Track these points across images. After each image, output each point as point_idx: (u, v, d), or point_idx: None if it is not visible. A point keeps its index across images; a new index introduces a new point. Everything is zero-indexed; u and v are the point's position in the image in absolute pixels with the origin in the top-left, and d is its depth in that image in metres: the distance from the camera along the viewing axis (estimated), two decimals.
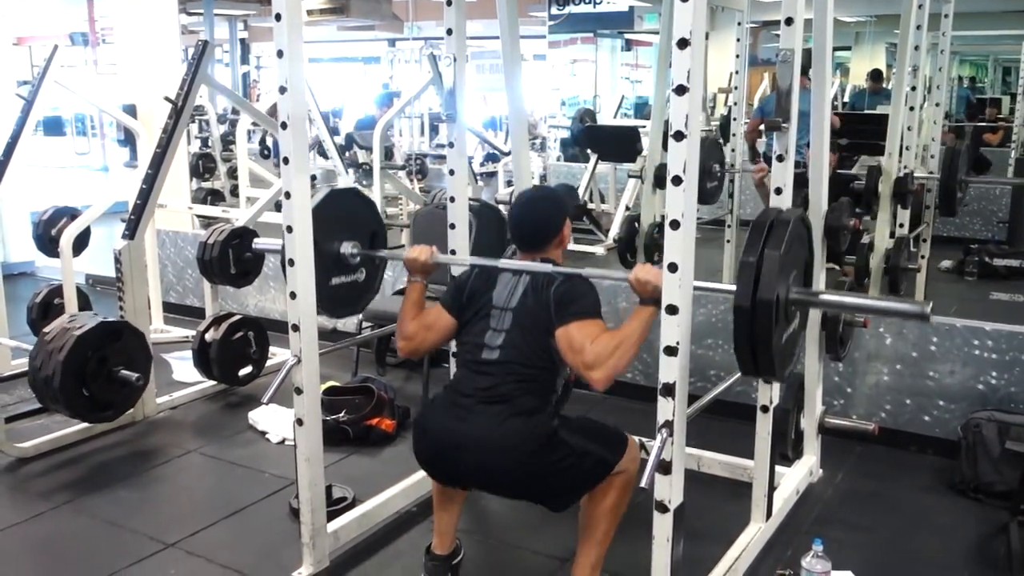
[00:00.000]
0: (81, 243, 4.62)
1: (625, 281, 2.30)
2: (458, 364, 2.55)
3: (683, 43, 1.89)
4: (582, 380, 2.33)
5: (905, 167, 4.52)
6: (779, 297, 2.15)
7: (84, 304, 4.60)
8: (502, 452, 2.33)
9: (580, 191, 7.72)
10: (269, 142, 9.69)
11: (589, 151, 7.97)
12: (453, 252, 3.17)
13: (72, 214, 4.80)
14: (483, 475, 2.42)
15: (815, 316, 3.13)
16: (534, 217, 2.56)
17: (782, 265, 2.15)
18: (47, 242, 4.88)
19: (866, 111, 8.48)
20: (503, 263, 2.54)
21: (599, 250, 6.95)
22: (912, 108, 4.53)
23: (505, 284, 2.49)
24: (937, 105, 5.26)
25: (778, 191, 2.73)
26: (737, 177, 5.73)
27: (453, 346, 2.70)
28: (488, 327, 2.45)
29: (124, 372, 3.47)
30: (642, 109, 10.76)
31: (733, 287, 2.16)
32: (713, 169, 4.97)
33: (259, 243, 3.19)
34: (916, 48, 4.30)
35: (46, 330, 3.44)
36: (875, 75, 8.79)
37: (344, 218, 2.81)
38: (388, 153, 9.28)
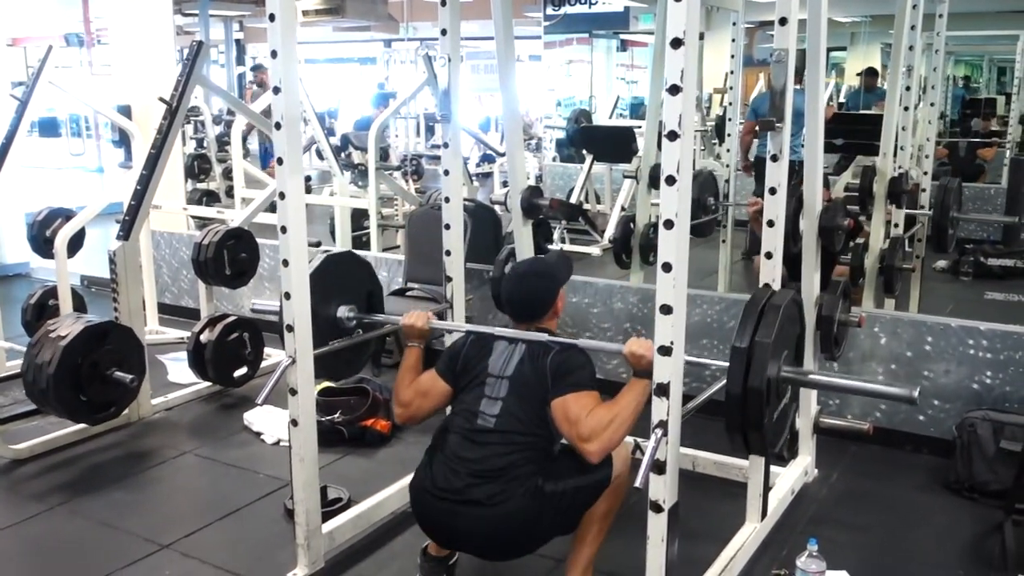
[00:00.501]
0: (76, 244, 4.61)
1: (619, 355, 2.34)
2: (452, 430, 2.51)
3: (676, 43, 1.89)
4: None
5: (900, 167, 4.53)
6: (770, 380, 2.21)
7: (79, 305, 4.58)
8: (500, 525, 2.36)
9: (576, 191, 7.73)
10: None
11: (585, 151, 7.98)
12: (448, 253, 3.17)
13: (67, 215, 4.79)
14: (481, 547, 2.47)
15: (810, 310, 3.14)
16: (527, 293, 2.59)
17: (773, 350, 2.20)
18: (42, 243, 4.87)
19: (861, 111, 8.48)
20: (499, 331, 2.54)
21: (595, 251, 6.95)
22: (907, 108, 4.53)
23: (501, 352, 2.51)
24: (932, 105, 5.27)
25: (772, 191, 2.73)
26: (732, 176, 5.73)
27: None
28: (483, 395, 2.46)
29: (118, 373, 3.46)
30: (638, 110, 10.76)
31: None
32: (708, 203, 5.00)
33: (257, 304, 3.26)
34: (911, 48, 4.30)
35: (39, 331, 3.43)
36: (870, 72, 8.80)
37: (340, 282, 2.86)
38: (384, 154, 9.28)
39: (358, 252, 3.08)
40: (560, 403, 2.34)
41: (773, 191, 2.74)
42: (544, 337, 2.47)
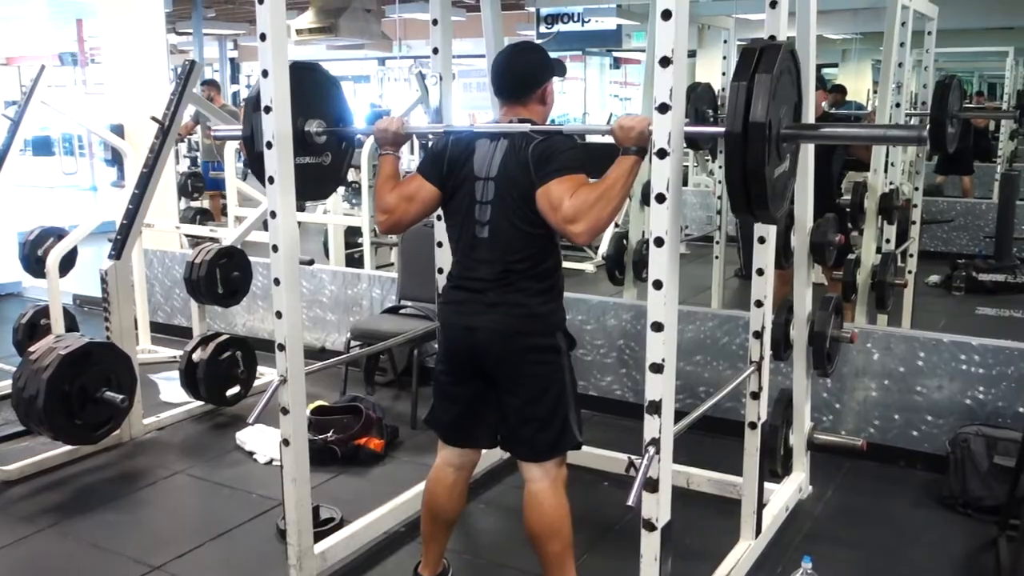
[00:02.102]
0: (68, 263, 4.60)
1: (608, 132, 2.20)
2: (452, 243, 2.49)
3: (665, 61, 1.90)
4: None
5: (891, 183, 4.54)
6: (771, 126, 1.99)
7: (71, 325, 4.58)
8: (501, 327, 2.35)
9: None
10: None
11: None
12: (440, 271, 3.17)
13: (59, 234, 4.78)
14: (489, 347, 2.40)
15: (802, 327, 3.14)
16: (518, 64, 2.46)
17: (773, 91, 1.97)
18: (33, 263, 4.85)
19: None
20: (480, 127, 2.43)
21: (588, 267, 6.96)
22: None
23: (484, 151, 2.39)
24: (922, 121, 5.29)
25: None
26: (725, 193, 5.75)
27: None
28: (474, 200, 2.38)
29: (108, 393, 3.45)
30: None
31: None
32: (707, 114, 5.02)
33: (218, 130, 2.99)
34: (900, 65, 4.33)
35: (30, 350, 3.42)
36: (837, 88, 8.89)
37: (308, 96, 2.63)
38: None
39: (322, 66, 2.83)
40: (544, 191, 2.24)
41: None
42: (526, 127, 2.34)
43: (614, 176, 2.16)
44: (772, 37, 2.61)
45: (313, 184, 2.79)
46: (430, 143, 2.62)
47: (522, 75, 2.45)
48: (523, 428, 2.43)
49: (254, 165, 2.58)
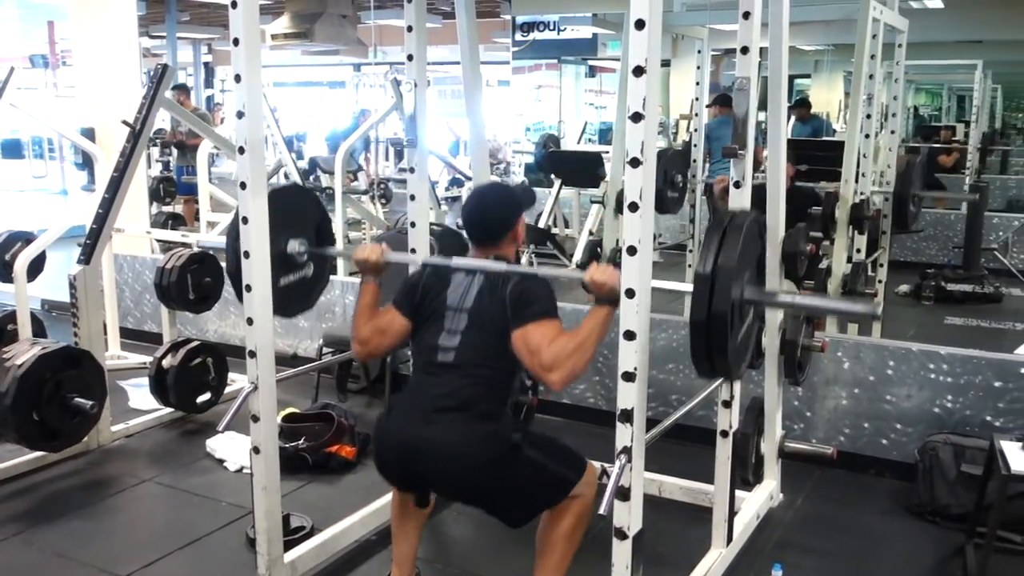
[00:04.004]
0: (36, 268, 4.54)
1: (580, 281, 2.28)
2: (414, 368, 2.52)
3: (638, 71, 1.91)
4: (543, 393, 2.31)
5: (862, 193, 4.59)
6: (734, 303, 2.16)
7: (39, 330, 4.51)
8: (460, 459, 2.31)
9: (544, 216, 7.75)
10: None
11: (553, 176, 8.01)
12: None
13: (27, 238, 4.72)
14: (440, 480, 2.40)
15: (773, 336, 3.16)
16: (487, 211, 2.54)
17: (736, 272, 2.14)
18: (1, 267, 4.79)
19: (818, 139, 8.62)
20: (456, 262, 2.50)
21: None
22: (868, 135, 4.61)
23: (459, 284, 2.46)
24: (893, 132, 5.36)
25: None
26: (699, 202, 5.78)
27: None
28: (442, 328, 2.43)
29: (78, 400, 3.40)
30: (606, 135, 10.85)
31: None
32: (676, 180, 5.03)
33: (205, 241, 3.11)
34: (871, 77, 4.38)
35: None
36: (801, 103, 8.97)
37: (288, 216, 2.70)
38: (355, 175, 9.27)
39: (305, 186, 2.94)
40: (521, 334, 2.30)
41: None
42: (502, 266, 2.41)
43: (588, 327, 2.26)
44: (744, 48, 2.63)
45: (301, 298, 2.90)
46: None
47: (493, 224, 2.52)
48: (517, 516, 2.45)
49: (236, 287, 2.62)
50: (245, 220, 2.48)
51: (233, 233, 2.56)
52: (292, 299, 2.82)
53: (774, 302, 2.77)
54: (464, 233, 2.63)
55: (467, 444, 2.31)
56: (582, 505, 2.43)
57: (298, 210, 2.81)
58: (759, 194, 2.91)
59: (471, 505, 2.52)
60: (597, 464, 2.60)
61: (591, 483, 2.47)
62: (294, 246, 2.72)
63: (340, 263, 6.05)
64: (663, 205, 4.90)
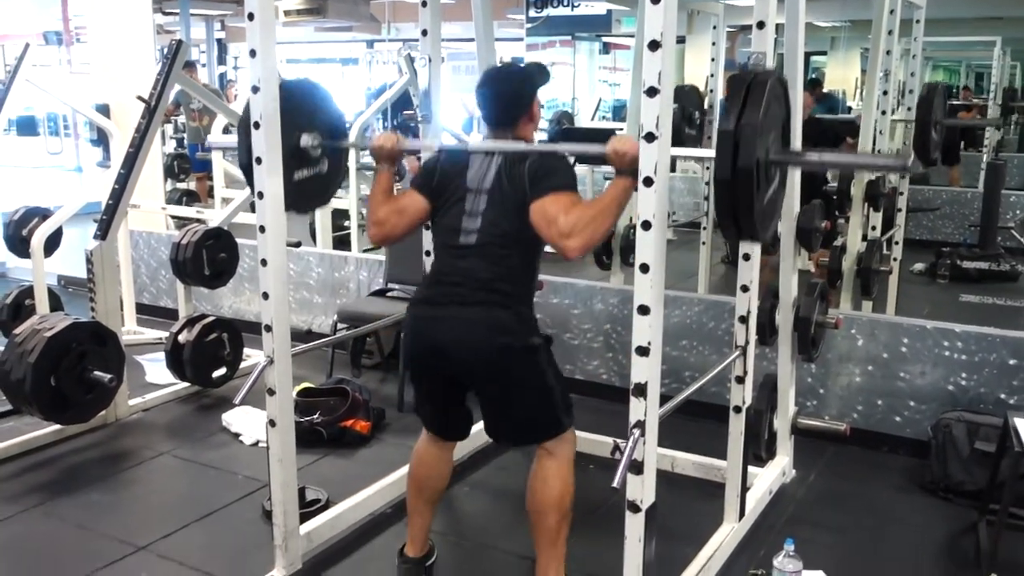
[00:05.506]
0: (53, 244, 4.58)
1: (602, 154, 2.25)
2: (435, 250, 2.54)
3: (654, 45, 1.90)
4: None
5: None
6: (759, 161, 2.07)
7: (56, 305, 4.56)
8: (480, 341, 2.35)
9: None
10: None
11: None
12: (428, 253, 3.17)
13: (43, 214, 4.75)
14: (462, 359, 2.40)
15: (787, 312, 3.16)
16: (502, 91, 2.50)
17: (760, 131, 2.05)
18: (18, 243, 4.82)
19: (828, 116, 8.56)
20: (473, 145, 2.48)
21: None
22: (884, 112, 4.57)
23: (478, 166, 2.44)
24: (909, 109, 5.31)
25: None
26: (712, 179, 5.75)
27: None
28: (463, 211, 2.42)
29: (96, 373, 3.44)
30: (620, 112, 10.81)
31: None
32: (693, 115, 4.99)
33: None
34: (888, 53, 4.34)
35: (16, 331, 3.40)
36: (813, 83, 8.90)
37: (301, 110, 2.66)
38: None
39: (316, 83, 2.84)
40: (539, 205, 2.29)
41: None
42: (520, 146, 2.40)
43: (610, 196, 2.24)
44: (760, 24, 2.61)
45: (314, 195, 2.85)
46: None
47: (508, 102, 2.50)
48: (506, 426, 2.49)
49: (250, 182, 2.59)
50: (261, 195, 2.49)
51: (244, 129, 2.53)
52: (308, 194, 2.77)
53: (801, 160, 2.68)
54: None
55: (488, 326, 2.35)
56: (565, 470, 2.46)
57: (310, 104, 2.74)
58: None
59: (485, 397, 2.49)
60: (609, 439, 2.61)
61: (572, 445, 2.50)
62: (307, 140, 2.66)
63: (354, 240, 6.09)
64: (681, 140, 4.82)
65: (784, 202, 3.07)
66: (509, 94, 2.50)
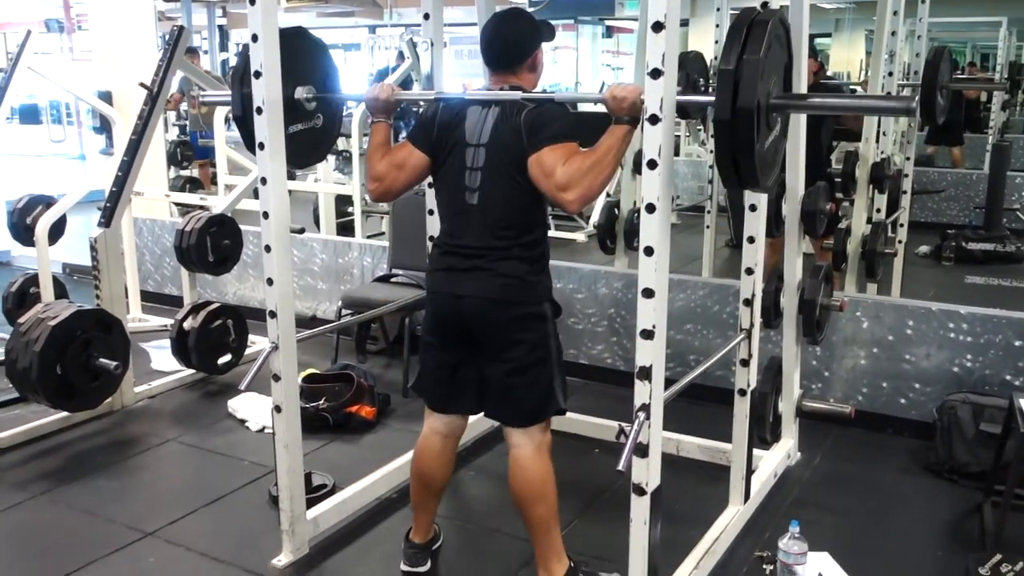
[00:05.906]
0: (57, 231, 4.58)
1: (601, 100, 2.22)
2: (439, 208, 2.50)
3: (658, 26, 1.89)
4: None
5: (882, 152, 4.55)
6: (759, 104, 2.03)
7: (60, 293, 4.56)
8: (493, 300, 2.35)
9: None
10: None
11: None
12: (431, 239, 3.16)
13: (47, 202, 4.75)
14: (477, 316, 2.39)
15: (792, 295, 3.16)
16: (507, 32, 2.44)
17: (761, 71, 2.00)
18: (22, 231, 4.83)
19: None
20: (470, 94, 2.43)
21: (580, 236, 6.96)
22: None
23: (475, 118, 2.37)
24: (914, 90, 5.29)
25: None
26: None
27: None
28: (465, 166, 2.37)
29: (102, 360, 3.45)
30: None
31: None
32: (698, 83, 4.97)
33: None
34: (893, 34, 4.32)
35: (22, 319, 3.41)
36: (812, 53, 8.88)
37: (294, 62, 2.59)
38: None
39: (310, 33, 2.80)
40: (536, 158, 2.24)
41: None
42: (516, 94, 2.33)
43: (607, 144, 2.18)
44: (764, 4, 2.59)
45: (309, 149, 2.79)
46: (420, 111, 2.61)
47: (511, 44, 2.43)
48: (507, 394, 2.45)
49: (244, 134, 2.57)
50: (264, 181, 2.49)
51: (239, 77, 2.52)
52: (302, 148, 2.71)
53: (803, 104, 2.62)
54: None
55: (499, 286, 2.34)
56: (546, 449, 2.47)
57: (303, 56, 2.68)
58: None
59: (494, 356, 2.45)
60: (615, 423, 2.62)
61: (549, 434, 2.50)
62: (301, 92, 2.61)
63: (358, 226, 6.08)
64: (686, 111, 4.79)
65: (788, 183, 3.08)
66: (513, 35, 2.43)
